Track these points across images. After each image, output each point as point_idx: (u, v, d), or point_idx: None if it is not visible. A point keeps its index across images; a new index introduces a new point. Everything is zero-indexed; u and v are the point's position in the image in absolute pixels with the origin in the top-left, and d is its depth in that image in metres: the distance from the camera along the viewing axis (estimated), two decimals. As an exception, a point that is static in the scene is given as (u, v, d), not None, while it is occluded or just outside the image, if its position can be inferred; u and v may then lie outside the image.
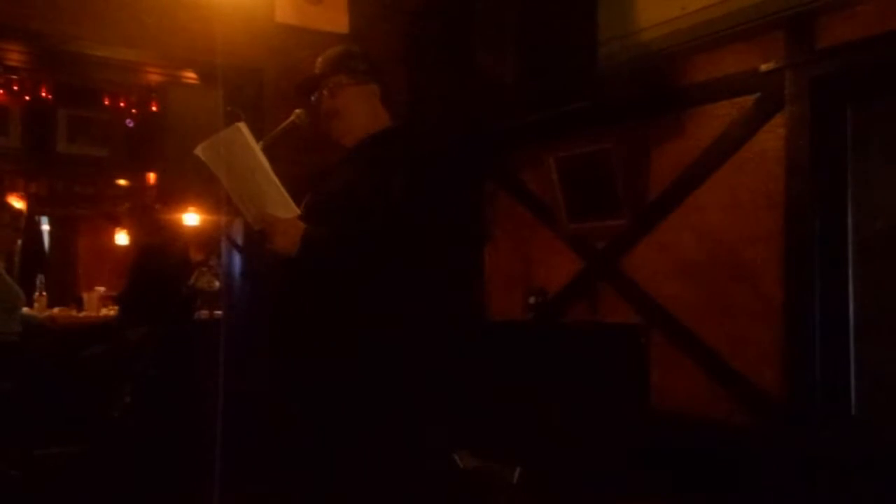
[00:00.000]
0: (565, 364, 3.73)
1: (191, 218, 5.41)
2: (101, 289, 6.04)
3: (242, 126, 1.88)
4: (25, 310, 4.50)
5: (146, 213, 4.94)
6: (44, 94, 5.90)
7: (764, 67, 3.01)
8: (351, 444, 1.94)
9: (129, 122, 6.53)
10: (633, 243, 3.57)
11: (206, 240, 5.48)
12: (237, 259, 3.82)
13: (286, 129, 2.13)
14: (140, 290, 4.54)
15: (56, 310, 5.60)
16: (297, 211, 1.97)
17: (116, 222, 5.14)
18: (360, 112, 2.14)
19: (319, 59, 2.18)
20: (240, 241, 3.76)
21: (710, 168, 3.24)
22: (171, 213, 5.08)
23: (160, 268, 4.53)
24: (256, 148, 1.91)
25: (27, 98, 5.92)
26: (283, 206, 1.94)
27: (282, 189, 1.94)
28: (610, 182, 3.57)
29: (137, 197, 6.06)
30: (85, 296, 5.94)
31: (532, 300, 4.03)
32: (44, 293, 5.71)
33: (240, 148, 1.88)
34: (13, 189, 6.85)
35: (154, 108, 5.78)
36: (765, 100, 3.03)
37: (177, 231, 5.21)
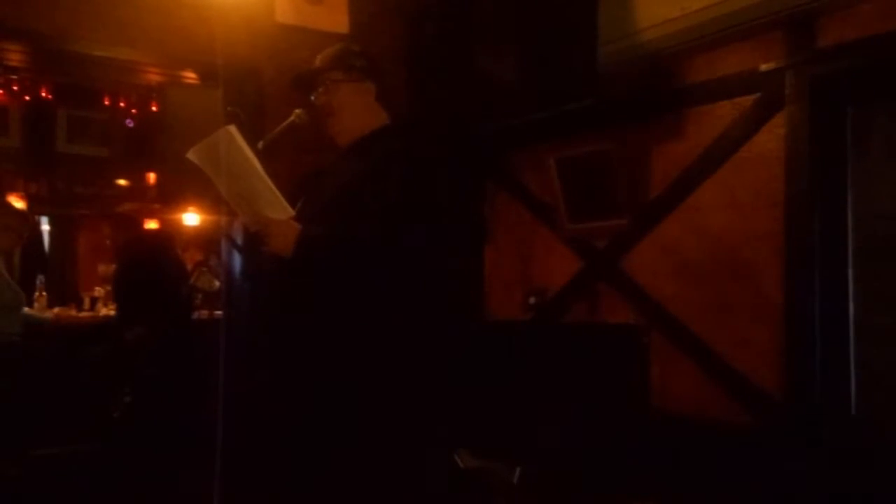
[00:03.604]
0: (565, 364, 3.73)
1: (191, 218, 5.41)
2: (100, 290, 6.05)
3: (232, 128, 1.89)
4: (26, 310, 4.50)
5: (127, 223, 4.92)
6: (44, 94, 5.92)
7: (764, 67, 3.01)
8: (351, 444, 1.94)
9: (129, 122, 6.53)
10: (633, 243, 3.57)
11: (206, 240, 5.48)
12: (237, 259, 3.81)
13: (286, 129, 2.14)
14: (133, 294, 4.54)
15: (56, 310, 5.60)
16: (292, 212, 1.97)
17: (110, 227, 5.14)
18: (356, 110, 2.14)
19: (318, 57, 2.19)
20: (240, 241, 3.75)
21: (710, 168, 3.24)
22: (169, 213, 5.08)
23: (152, 272, 4.52)
24: (248, 150, 1.91)
25: (27, 98, 5.93)
26: (277, 208, 1.95)
27: (275, 190, 1.94)
28: (610, 182, 3.57)
29: (121, 205, 6.06)
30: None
31: (532, 300, 4.03)
32: (44, 293, 5.72)
33: (231, 150, 1.89)
34: (13, 189, 6.84)
35: (154, 108, 5.79)
36: (765, 100, 3.03)
37: (170, 233, 5.21)
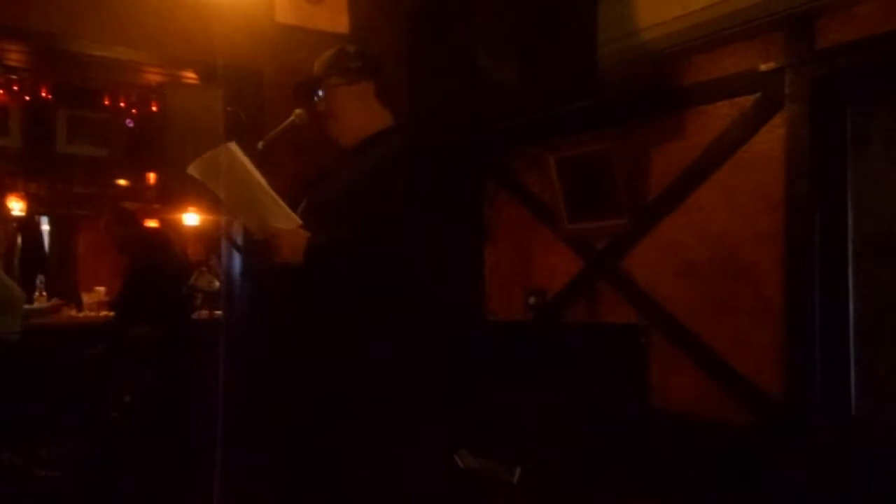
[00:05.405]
0: (565, 364, 3.73)
1: (191, 218, 5.42)
2: (101, 289, 6.05)
3: (233, 146, 1.89)
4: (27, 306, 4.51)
5: (128, 219, 4.91)
6: (44, 94, 5.91)
7: (764, 67, 3.01)
8: (351, 444, 1.94)
9: (129, 122, 6.54)
10: (633, 243, 3.57)
11: (206, 240, 5.48)
12: (237, 259, 3.82)
13: (286, 130, 2.14)
14: (135, 294, 4.55)
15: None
16: (299, 221, 1.97)
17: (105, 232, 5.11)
18: (356, 112, 2.14)
19: (315, 63, 2.19)
20: (240, 241, 3.76)
21: (710, 168, 3.24)
22: (169, 213, 5.09)
23: (154, 272, 4.52)
24: (249, 164, 1.91)
25: (27, 98, 5.92)
26: (283, 218, 1.95)
27: (280, 201, 1.94)
28: (610, 182, 3.57)
29: (116, 203, 6.04)
30: (84, 297, 5.95)
31: (532, 300, 4.03)
32: (44, 293, 5.72)
33: (233, 166, 1.88)
34: (13, 189, 6.85)
35: (154, 108, 5.79)
36: (765, 100, 3.03)
37: (171, 232, 5.22)
